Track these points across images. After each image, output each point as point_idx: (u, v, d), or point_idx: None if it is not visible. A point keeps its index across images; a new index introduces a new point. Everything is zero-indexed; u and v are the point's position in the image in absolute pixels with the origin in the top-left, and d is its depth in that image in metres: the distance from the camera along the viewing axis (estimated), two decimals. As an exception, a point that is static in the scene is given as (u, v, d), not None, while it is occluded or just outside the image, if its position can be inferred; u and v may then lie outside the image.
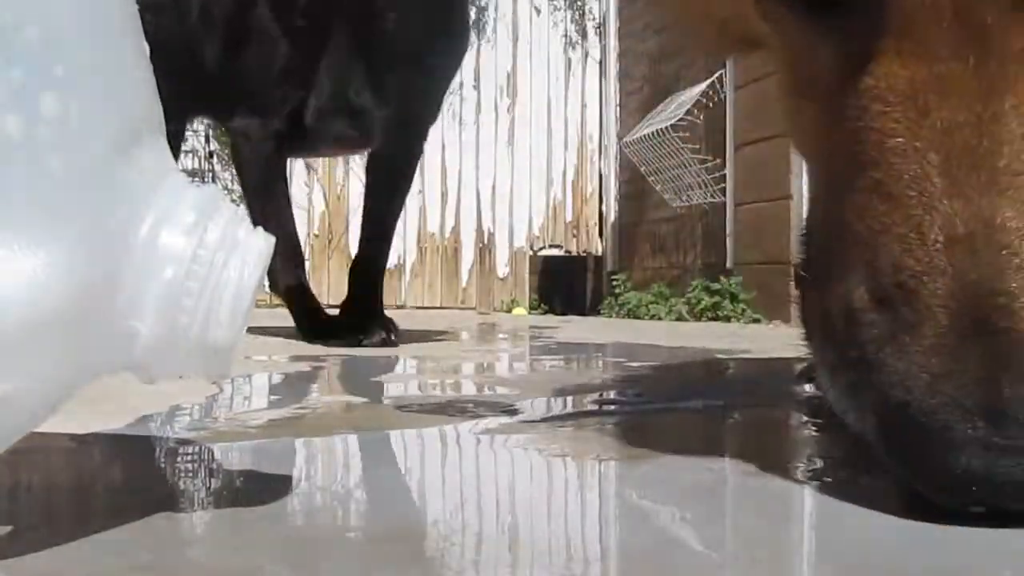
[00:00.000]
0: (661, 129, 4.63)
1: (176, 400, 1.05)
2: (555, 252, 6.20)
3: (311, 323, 2.29)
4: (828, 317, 0.58)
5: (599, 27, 6.30)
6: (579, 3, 6.34)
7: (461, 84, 6.12)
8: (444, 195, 6.15)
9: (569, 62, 6.33)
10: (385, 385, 1.40)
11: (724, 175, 4.37)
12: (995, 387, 0.50)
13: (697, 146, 4.53)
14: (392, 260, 5.94)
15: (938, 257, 0.52)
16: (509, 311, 5.85)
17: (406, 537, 0.54)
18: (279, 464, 0.76)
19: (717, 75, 4.38)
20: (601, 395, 1.24)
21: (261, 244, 0.49)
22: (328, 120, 1.82)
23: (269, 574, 0.46)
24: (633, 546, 0.54)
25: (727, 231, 4.37)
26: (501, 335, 2.91)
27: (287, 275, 2.33)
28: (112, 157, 0.46)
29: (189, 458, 0.78)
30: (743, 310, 3.97)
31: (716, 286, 4.17)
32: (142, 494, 0.67)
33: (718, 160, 4.42)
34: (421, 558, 0.50)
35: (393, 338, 2.14)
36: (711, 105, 4.45)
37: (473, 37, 6.14)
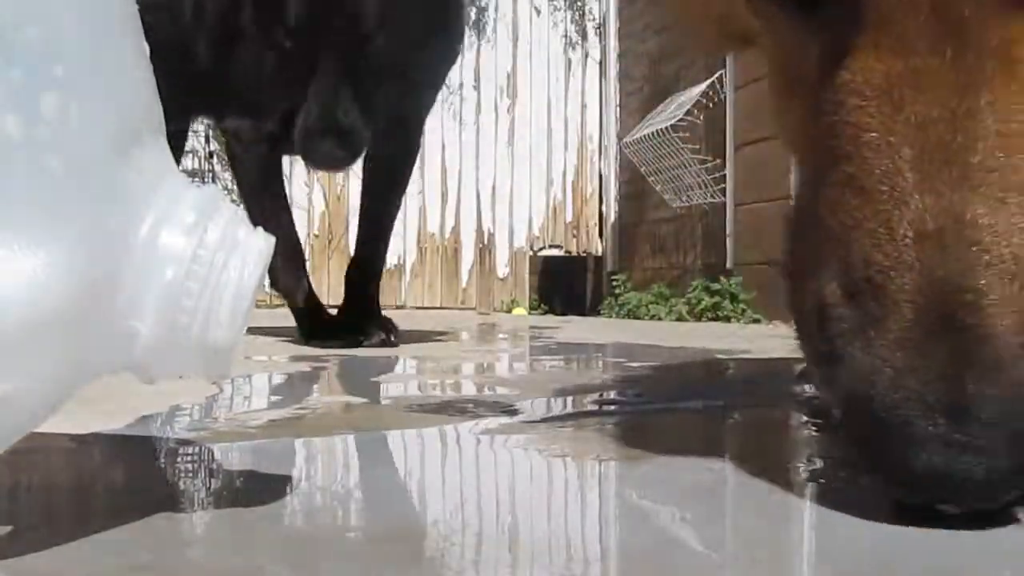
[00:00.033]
0: (661, 129, 4.62)
1: (176, 400, 1.05)
2: (555, 252, 6.20)
3: (312, 323, 2.29)
4: (803, 312, 0.58)
5: (599, 27, 6.30)
6: (579, 3, 6.34)
7: (461, 84, 6.12)
8: (444, 195, 6.15)
9: (569, 62, 6.33)
10: (385, 385, 1.40)
11: (724, 175, 4.37)
12: (958, 384, 0.50)
13: (697, 146, 4.53)
14: (392, 260, 5.97)
15: (906, 252, 0.51)
16: (509, 311, 5.84)
17: (406, 537, 0.54)
18: (279, 464, 0.76)
19: (717, 75, 4.38)
20: (601, 395, 1.24)
21: (261, 244, 0.49)
22: (317, 142, 1.82)
23: (269, 574, 0.46)
24: (633, 546, 0.54)
25: (727, 231, 4.37)
26: (501, 335, 2.91)
27: (288, 274, 2.33)
28: (112, 157, 0.46)
29: (189, 458, 0.78)
30: (743, 310, 3.97)
31: (716, 286, 4.17)
32: (142, 494, 0.67)
33: (718, 160, 4.42)
34: (421, 558, 0.50)
35: (393, 338, 2.14)
36: (711, 105, 4.45)
37: (473, 37, 6.15)
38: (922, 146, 0.52)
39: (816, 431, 0.91)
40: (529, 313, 5.76)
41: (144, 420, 0.93)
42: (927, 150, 0.52)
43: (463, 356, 1.98)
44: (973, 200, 0.51)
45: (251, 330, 0.55)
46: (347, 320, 2.23)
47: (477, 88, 6.21)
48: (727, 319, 4.00)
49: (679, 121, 4.52)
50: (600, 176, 6.20)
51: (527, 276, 6.13)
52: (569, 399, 1.18)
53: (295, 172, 4.95)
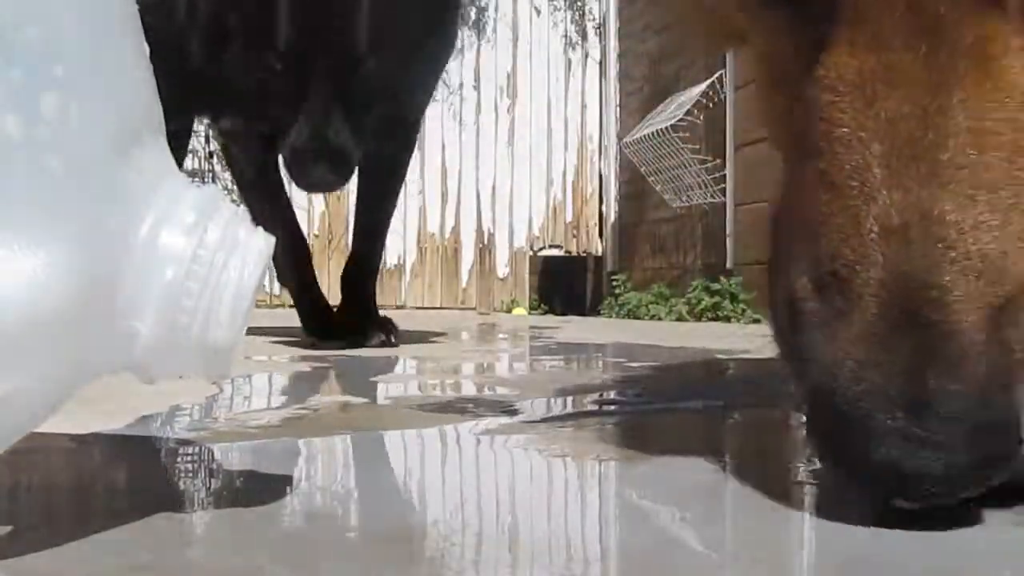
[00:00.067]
0: (661, 129, 4.62)
1: (176, 400, 1.05)
2: (555, 252, 6.20)
3: (316, 320, 2.29)
4: (776, 306, 0.58)
5: (599, 28, 6.30)
6: (579, 3, 6.34)
7: (461, 84, 6.12)
8: (444, 195, 6.15)
9: (569, 63, 6.33)
10: (385, 385, 1.40)
11: (724, 175, 4.37)
12: (920, 379, 0.50)
13: (697, 146, 4.53)
14: (392, 260, 5.97)
15: (872, 247, 0.51)
16: (509, 311, 5.84)
17: (406, 537, 0.54)
18: (279, 464, 0.76)
19: (717, 75, 4.38)
20: (601, 395, 1.24)
21: (261, 244, 0.50)
22: (308, 166, 1.82)
23: (269, 574, 0.46)
24: (633, 546, 0.54)
25: (727, 231, 4.36)
26: (501, 335, 2.91)
27: (293, 270, 2.33)
28: (112, 157, 0.46)
29: (189, 458, 0.78)
30: (743, 310, 3.97)
31: (716, 286, 4.17)
32: (142, 494, 0.67)
33: (718, 160, 4.41)
34: (421, 558, 0.50)
35: (393, 339, 2.14)
36: (711, 105, 4.45)
37: (473, 37, 6.15)
38: (892, 142, 0.52)
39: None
40: (529, 313, 5.76)
41: (144, 420, 0.93)
42: (897, 146, 0.52)
43: (463, 356, 1.98)
44: (941, 197, 0.51)
45: (251, 330, 0.55)
46: (347, 320, 2.23)
47: (477, 88, 6.21)
48: (727, 319, 4.00)
49: (679, 121, 4.52)
50: (600, 176, 6.20)
51: (527, 276, 6.13)
52: (569, 399, 1.18)
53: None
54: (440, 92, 6.03)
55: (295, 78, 1.81)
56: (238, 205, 0.51)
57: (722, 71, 4.33)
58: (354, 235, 2.37)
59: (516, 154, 6.22)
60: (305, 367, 1.62)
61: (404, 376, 1.58)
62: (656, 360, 1.85)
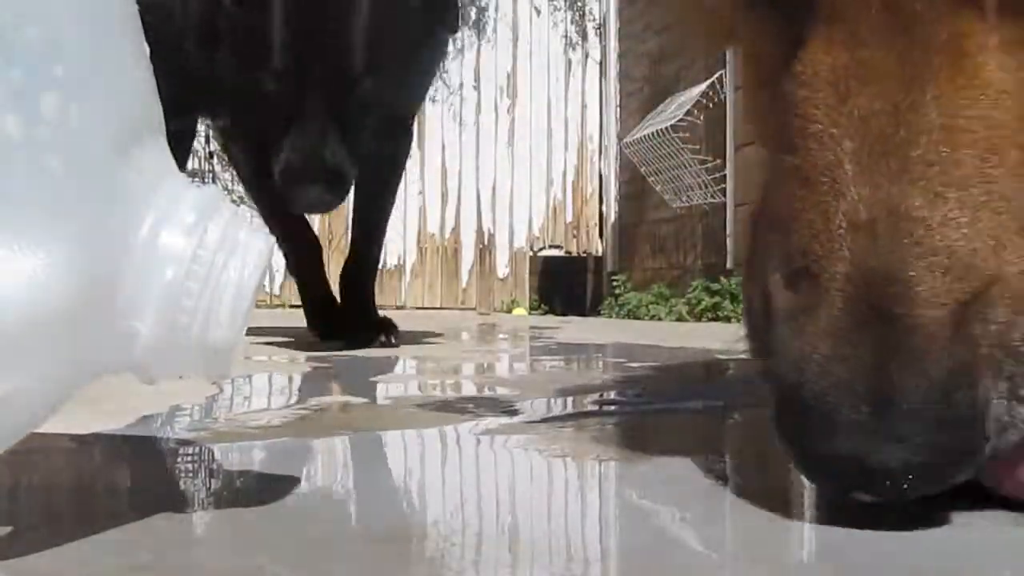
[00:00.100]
0: (661, 130, 4.63)
1: (176, 400, 1.05)
2: (555, 252, 6.20)
3: (321, 318, 2.30)
4: (751, 301, 0.59)
5: (599, 28, 6.30)
6: (579, 4, 6.34)
7: (461, 84, 6.12)
8: (444, 196, 6.15)
9: (569, 63, 6.33)
10: (385, 385, 1.40)
11: (724, 175, 4.37)
12: (884, 374, 0.50)
13: (697, 146, 4.53)
14: (392, 260, 5.97)
15: (840, 242, 0.52)
16: (509, 311, 5.85)
17: (406, 537, 0.54)
18: (279, 464, 0.76)
19: (717, 75, 4.38)
20: (601, 396, 1.24)
21: (261, 244, 0.49)
22: (304, 187, 1.82)
23: (269, 574, 0.46)
24: (633, 546, 0.54)
25: (727, 231, 4.37)
26: (501, 335, 2.91)
27: (302, 261, 2.34)
28: (112, 157, 0.46)
29: (189, 458, 0.78)
30: (743, 310, 3.96)
31: (716, 286, 4.17)
32: (142, 494, 0.67)
33: (718, 160, 4.42)
34: (421, 558, 0.50)
35: (393, 339, 2.15)
36: (711, 106, 4.45)
37: (473, 37, 6.15)
38: (863, 138, 0.52)
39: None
40: (529, 313, 5.76)
41: (144, 420, 0.93)
42: (868, 142, 0.52)
43: (463, 356, 1.98)
44: (910, 193, 0.51)
45: (251, 330, 0.55)
46: (346, 320, 2.23)
47: (477, 88, 6.21)
48: (727, 319, 4.00)
49: (679, 121, 4.52)
50: (600, 176, 6.20)
51: (527, 276, 6.13)
52: (569, 399, 1.18)
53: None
54: (440, 92, 6.04)
55: (290, 97, 1.81)
56: (238, 205, 0.51)
57: (722, 71, 4.33)
58: (353, 235, 2.37)
59: (516, 154, 6.22)
60: (305, 367, 1.62)
61: (404, 376, 1.58)
62: (656, 360, 1.85)
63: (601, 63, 6.23)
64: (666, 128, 4.58)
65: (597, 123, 6.25)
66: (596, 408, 1.13)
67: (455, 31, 2.11)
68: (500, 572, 0.48)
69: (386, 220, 2.36)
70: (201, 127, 2.68)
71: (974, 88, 0.51)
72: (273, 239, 0.51)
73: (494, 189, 6.21)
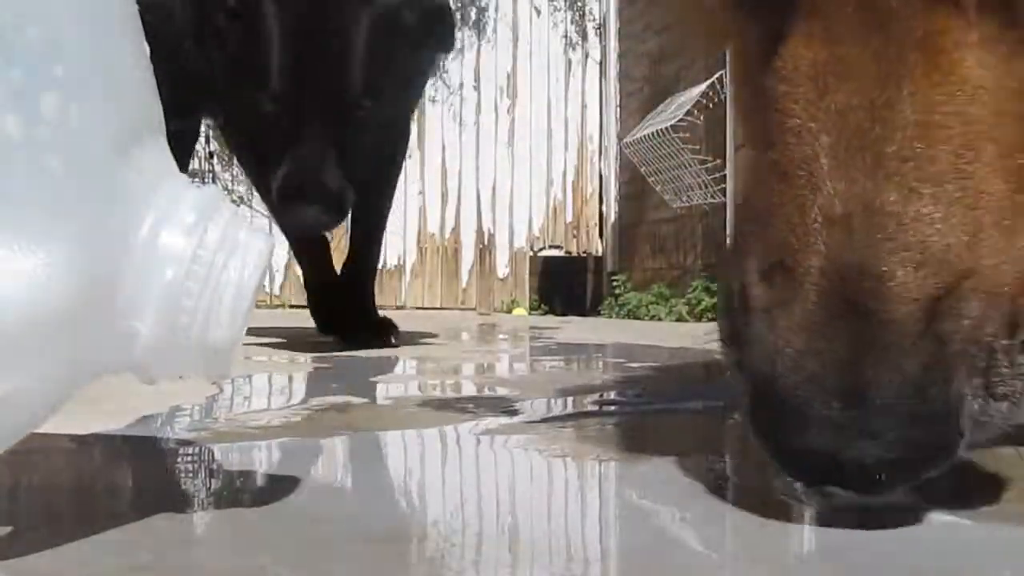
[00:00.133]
0: (661, 130, 4.62)
1: (176, 400, 1.05)
2: (555, 253, 6.20)
3: (323, 316, 2.30)
4: (728, 292, 0.59)
5: (599, 28, 6.30)
6: (579, 4, 6.34)
7: (461, 84, 6.12)
8: (444, 196, 6.15)
9: (569, 63, 6.33)
10: (385, 385, 1.40)
11: (724, 175, 4.37)
12: (856, 369, 0.50)
13: (697, 147, 4.53)
14: (392, 260, 5.97)
15: (816, 236, 0.52)
16: (509, 312, 5.84)
17: (406, 537, 0.54)
18: (279, 464, 0.76)
19: (717, 76, 4.37)
20: (601, 396, 1.24)
21: (261, 245, 0.50)
22: (303, 209, 1.82)
23: (269, 574, 0.46)
24: (633, 546, 0.54)
25: (727, 231, 4.36)
26: (501, 336, 2.91)
27: (307, 257, 2.34)
28: (112, 157, 0.46)
29: (189, 458, 0.78)
30: (743, 310, 3.96)
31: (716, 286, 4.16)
32: (142, 494, 0.67)
33: (718, 161, 4.41)
34: (421, 558, 0.50)
35: (393, 339, 2.15)
36: (711, 106, 4.45)
37: (473, 37, 6.15)
38: (840, 134, 0.52)
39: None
40: (529, 313, 5.76)
41: (144, 420, 0.93)
42: (844, 138, 0.52)
43: (463, 356, 1.98)
44: (885, 188, 0.51)
45: (251, 330, 0.55)
46: (346, 320, 2.23)
47: (477, 88, 6.21)
48: (727, 319, 3.99)
49: (679, 121, 4.52)
50: (600, 176, 6.20)
51: (527, 276, 6.12)
52: (569, 399, 1.18)
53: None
54: (440, 92, 6.04)
55: (288, 119, 1.81)
56: (238, 205, 0.51)
57: (722, 71, 4.32)
58: (352, 235, 2.37)
59: (516, 154, 6.22)
60: (305, 367, 1.62)
61: (404, 376, 1.58)
62: (656, 360, 1.85)
63: (601, 63, 6.23)
64: (666, 128, 4.58)
65: (597, 123, 6.25)
66: (596, 408, 1.13)
67: (450, 49, 2.11)
68: (500, 572, 0.48)
69: (385, 220, 2.36)
70: (201, 127, 2.68)
71: (950, 84, 0.52)
72: (273, 240, 0.51)
73: (494, 189, 6.20)
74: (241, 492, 0.66)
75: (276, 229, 2.19)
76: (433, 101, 5.94)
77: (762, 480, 0.66)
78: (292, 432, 0.89)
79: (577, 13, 6.34)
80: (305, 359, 1.78)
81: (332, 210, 1.85)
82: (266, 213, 2.26)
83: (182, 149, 2.28)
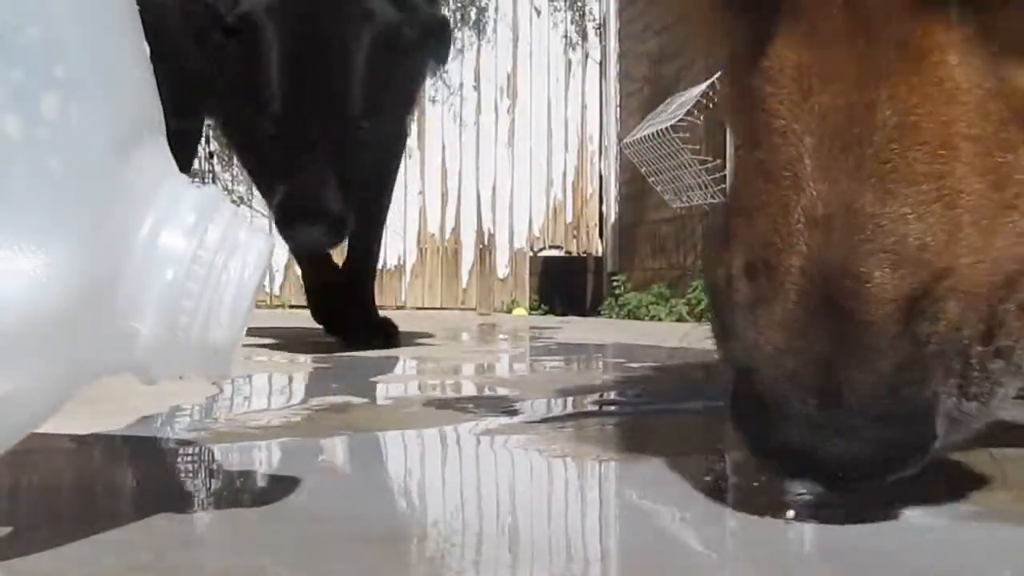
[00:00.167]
0: (661, 130, 4.62)
1: (176, 400, 1.05)
2: (555, 253, 6.20)
3: (323, 315, 2.30)
4: (715, 286, 0.60)
5: (599, 28, 6.30)
6: (579, 4, 6.34)
7: (461, 84, 6.12)
8: (444, 196, 6.15)
9: (569, 63, 6.33)
10: (385, 385, 1.40)
11: (724, 176, 4.36)
12: (832, 368, 0.51)
13: (697, 147, 4.53)
14: (392, 261, 5.97)
15: (797, 236, 0.53)
16: (509, 312, 5.84)
17: (406, 537, 0.54)
18: (279, 464, 0.76)
19: (717, 76, 4.37)
20: (601, 396, 1.24)
21: (261, 245, 0.50)
22: (305, 229, 1.82)
23: (269, 574, 0.46)
24: (633, 546, 0.54)
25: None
26: (501, 336, 2.91)
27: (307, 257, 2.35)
28: (112, 158, 0.46)
29: (189, 459, 0.78)
30: (743, 311, 3.96)
31: (716, 287, 4.16)
32: (142, 494, 0.67)
33: (718, 161, 4.41)
34: (421, 558, 0.50)
35: (393, 339, 2.15)
36: (711, 106, 4.45)
37: (473, 37, 6.15)
38: (822, 135, 0.53)
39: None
40: (529, 314, 5.76)
41: (144, 420, 0.93)
42: (826, 139, 0.53)
43: (463, 357, 1.98)
44: (864, 190, 0.52)
45: (251, 330, 0.55)
46: (346, 321, 2.23)
47: (477, 88, 6.21)
48: (727, 319, 3.99)
49: (679, 121, 4.52)
50: (600, 177, 6.20)
51: (527, 277, 6.13)
52: (569, 400, 1.18)
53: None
54: (440, 92, 6.04)
55: (288, 142, 1.80)
56: (238, 205, 0.51)
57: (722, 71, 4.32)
58: (350, 236, 2.37)
59: (516, 154, 6.22)
60: (305, 367, 1.63)
61: (404, 376, 1.58)
62: (656, 360, 1.85)
63: (601, 63, 6.23)
64: (666, 128, 4.58)
65: (597, 123, 6.25)
66: (596, 408, 1.13)
67: (444, 62, 2.10)
68: (500, 572, 0.48)
69: (384, 220, 2.36)
70: (203, 127, 2.68)
71: (930, 85, 0.52)
72: (273, 240, 0.51)
73: (494, 189, 6.21)
74: (241, 492, 0.66)
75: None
76: (433, 101, 5.94)
77: (762, 480, 0.66)
78: (292, 432, 0.89)
79: (577, 13, 6.34)
80: (305, 359, 1.78)
81: (333, 231, 1.85)
82: (267, 213, 2.26)
83: (184, 149, 2.27)
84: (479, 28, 6.19)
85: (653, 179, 4.95)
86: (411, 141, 2.44)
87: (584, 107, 6.30)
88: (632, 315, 4.77)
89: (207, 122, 2.45)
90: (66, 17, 0.45)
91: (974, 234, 0.52)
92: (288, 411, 1.05)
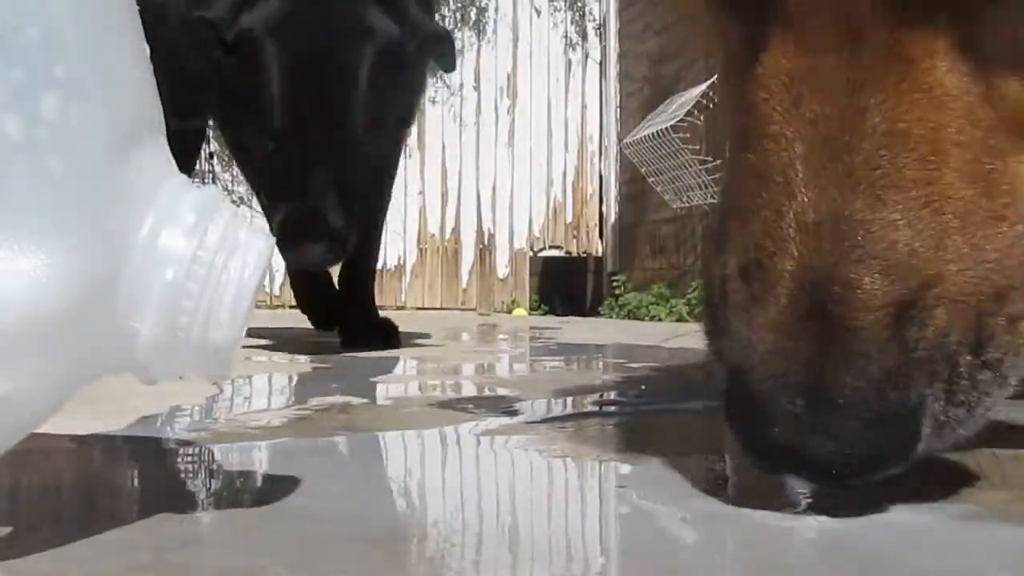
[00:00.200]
0: (661, 130, 4.62)
1: (176, 401, 1.05)
2: (555, 253, 6.20)
3: (318, 315, 2.31)
4: (710, 284, 0.61)
5: (599, 28, 6.30)
6: (579, 4, 6.34)
7: (461, 84, 6.12)
8: (444, 196, 6.15)
9: (569, 63, 6.33)
10: (385, 385, 1.40)
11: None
12: (819, 369, 0.52)
13: (697, 147, 4.53)
14: (392, 261, 5.97)
15: (789, 241, 0.54)
16: (509, 312, 5.84)
17: (406, 537, 0.54)
18: (279, 464, 0.76)
19: (717, 76, 4.37)
20: (601, 396, 1.24)
21: (261, 245, 0.50)
22: (307, 247, 1.82)
23: (269, 574, 0.46)
24: (633, 546, 0.54)
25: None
26: (501, 336, 2.91)
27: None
28: (112, 158, 0.46)
29: (189, 459, 0.78)
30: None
31: (716, 287, 4.15)
32: (142, 495, 0.67)
33: (718, 161, 4.41)
34: (421, 558, 0.50)
35: (393, 339, 2.14)
36: (711, 106, 4.45)
37: (473, 37, 6.15)
38: (813, 142, 0.54)
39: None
40: (529, 314, 5.76)
41: (144, 420, 0.93)
42: (817, 146, 0.54)
43: (463, 357, 1.98)
44: (853, 196, 0.53)
45: (251, 330, 0.55)
46: (346, 321, 2.23)
47: (477, 88, 6.21)
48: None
49: (679, 122, 4.52)
50: (600, 177, 6.20)
51: (527, 277, 6.13)
52: (569, 400, 1.18)
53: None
54: (440, 92, 6.04)
55: (289, 159, 1.79)
56: (238, 205, 0.51)
57: (722, 72, 4.32)
58: None
59: (516, 155, 6.22)
60: (305, 367, 1.63)
61: (404, 376, 1.58)
62: (656, 361, 1.85)
63: (601, 63, 6.23)
64: (666, 128, 4.57)
65: (597, 123, 6.25)
66: (596, 408, 1.13)
67: (452, 69, 2.09)
68: (500, 572, 0.48)
69: (383, 220, 2.35)
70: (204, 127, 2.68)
71: (919, 92, 0.53)
72: (273, 240, 0.51)
73: (494, 189, 6.21)
74: (241, 492, 0.66)
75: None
76: (433, 101, 5.94)
77: (762, 480, 0.66)
78: (292, 432, 0.89)
79: (577, 13, 6.34)
80: (305, 359, 1.78)
81: (335, 248, 1.84)
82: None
83: (186, 149, 2.27)
84: (479, 28, 6.19)
85: (653, 179, 4.95)
86: (411, 141, 2.44)
87: (584, 107, 6.30)
88: (632, 315, 4.77)
89: (208, 122, 2.45)
90: (66, 17, 0.45)
91: (963, 241, 0.53)
92: (288, 411, 1.05)
